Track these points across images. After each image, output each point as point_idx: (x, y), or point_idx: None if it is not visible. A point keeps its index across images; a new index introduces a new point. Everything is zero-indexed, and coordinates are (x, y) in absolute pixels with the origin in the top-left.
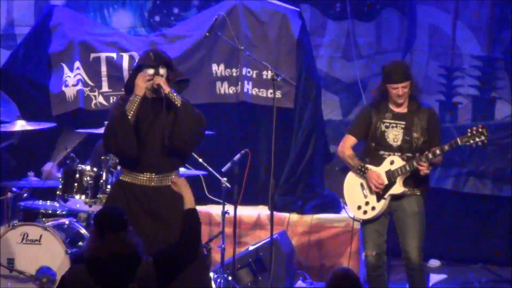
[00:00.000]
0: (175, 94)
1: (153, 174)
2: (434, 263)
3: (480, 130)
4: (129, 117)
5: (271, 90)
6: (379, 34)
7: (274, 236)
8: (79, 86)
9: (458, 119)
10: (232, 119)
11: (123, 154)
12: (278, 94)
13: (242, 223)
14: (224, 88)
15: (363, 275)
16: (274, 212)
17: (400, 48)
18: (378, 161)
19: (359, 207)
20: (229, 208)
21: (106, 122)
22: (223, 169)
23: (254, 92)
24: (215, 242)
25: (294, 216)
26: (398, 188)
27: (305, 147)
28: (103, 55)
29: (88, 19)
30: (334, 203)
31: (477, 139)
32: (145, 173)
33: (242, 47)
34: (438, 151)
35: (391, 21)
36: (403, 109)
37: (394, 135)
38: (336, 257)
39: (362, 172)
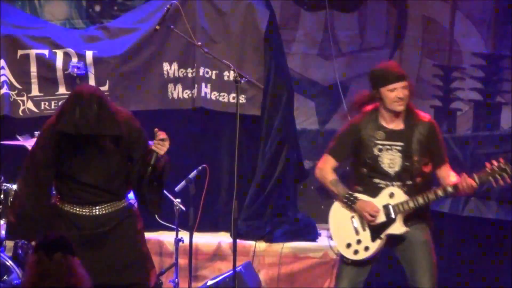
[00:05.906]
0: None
1: (95, 207)
2: None
3: (503, 166)
4: None
5: (233, 94)
6: (363, 27)
7: (237, 268)
8: (4, 89)
9: (456, 128)
10: (187, 129)
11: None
12: (242, 99)
13: (199, 253)
14: (177, 92)
15: None
16: (238, 240)
17: (388, 44)
18: (373, 191)
19: (348, 245)
20: (184, 235)
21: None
22: (177, 189)
23: (213, 97)
24: (167, 275)
25: (261, 245)
26: (398, 227)
27: (275, 162)
28: (32, 52)
29: (15, 9)
30: (309, 230)
31: (498, 176)
32: (86, 206)
33: (199, 43)
34: (450, 189)
35: (378, 12)
36: (398, 125)
37: (390, 159)
38: None
39: (350, 202)
